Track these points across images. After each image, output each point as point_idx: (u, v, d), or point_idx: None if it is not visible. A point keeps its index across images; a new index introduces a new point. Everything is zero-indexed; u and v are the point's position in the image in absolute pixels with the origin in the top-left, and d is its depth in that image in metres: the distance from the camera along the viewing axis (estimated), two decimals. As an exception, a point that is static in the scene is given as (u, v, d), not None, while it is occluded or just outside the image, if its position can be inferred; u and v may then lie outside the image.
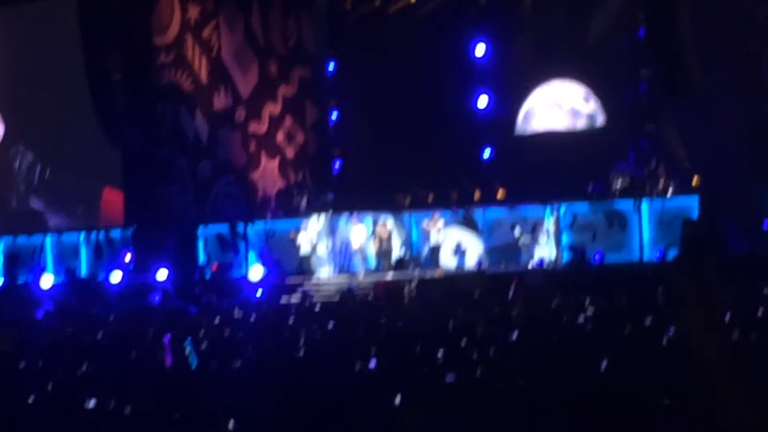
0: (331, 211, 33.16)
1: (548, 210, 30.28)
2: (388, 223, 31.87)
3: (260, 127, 36.66)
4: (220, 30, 35.56)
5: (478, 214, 32.12)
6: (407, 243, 32.86)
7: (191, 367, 13.01)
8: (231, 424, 10.99)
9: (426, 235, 32.25)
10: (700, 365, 4.82)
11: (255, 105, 36.51)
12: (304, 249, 31.55)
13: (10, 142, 38.49)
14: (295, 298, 27.90)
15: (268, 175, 36.72)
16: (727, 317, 16.24)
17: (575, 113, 35.04)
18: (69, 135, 36.11)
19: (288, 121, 37.56)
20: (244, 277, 30.99)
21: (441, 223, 31.22)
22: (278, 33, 37.23)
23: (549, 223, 30.18)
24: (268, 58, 37.00)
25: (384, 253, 31.50)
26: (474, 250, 31.72)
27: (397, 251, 32.31)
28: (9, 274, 35.10)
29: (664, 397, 10.21)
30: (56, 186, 37.56)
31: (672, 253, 27.84)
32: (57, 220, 37.44)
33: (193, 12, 34.91)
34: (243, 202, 35.73)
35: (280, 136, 37.28)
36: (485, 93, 35.97)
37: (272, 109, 37.06)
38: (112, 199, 35.94)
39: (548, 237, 30.19)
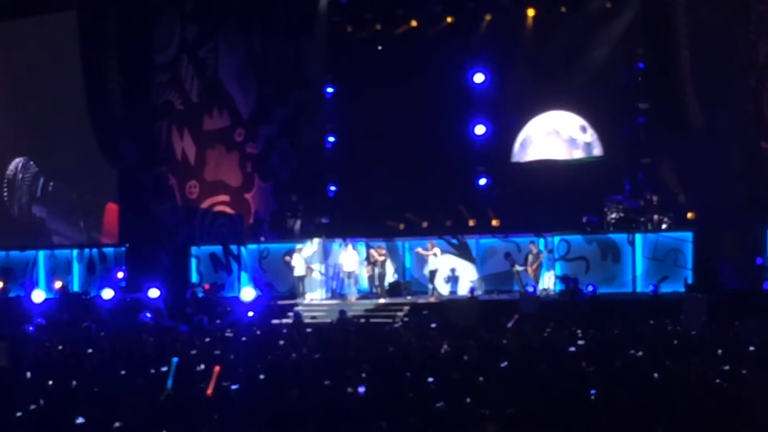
0: (324, 235, 33.12)
1: (542, 240, 30.29)
2: (381, 248, 31.84)
3: (256, 149, 36.63)
4: (219, 51, 35.56)
5: (472, 241, 32.13)
6: (400, 268, 32.87)
7: (168, 385, 12.98)
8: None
9: (419, 261, 32.27)
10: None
11: (252, 126, 36.49)
12: (297, 272, 31.51)
13: (14, 154, 38.60)
14: (287, 320, 27.84)
15: (262, 196, 36.69)
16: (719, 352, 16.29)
17: (572, 143, 35.13)
18: (71, 149, 36.11)
19: (284, 144, 37.54)
20: (236, 298, 30.92)
21: (434, 249, 31.20)
22: (278, 55, 37.23)
23: (542, 253, 30.18)
24: (267, 79, 36.99)
25: (377, 277, 31.49)
26: (467, 277, 31.73)
27: (389, 276, 32.31)
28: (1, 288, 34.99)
29: (654, 430, 10.20)
30: (58, 199, 37.68)
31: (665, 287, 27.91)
32: (58, 233, 37.51)
33: (193, 32, 34.93)
34: (237, 223, 35.66)
35: (275, 158, 37.26)
36: (482, 121, 36.08)
37: (268, 130, 37.04)
38: (115, 213, 35.99)
39: (541, 267, 30.19)
